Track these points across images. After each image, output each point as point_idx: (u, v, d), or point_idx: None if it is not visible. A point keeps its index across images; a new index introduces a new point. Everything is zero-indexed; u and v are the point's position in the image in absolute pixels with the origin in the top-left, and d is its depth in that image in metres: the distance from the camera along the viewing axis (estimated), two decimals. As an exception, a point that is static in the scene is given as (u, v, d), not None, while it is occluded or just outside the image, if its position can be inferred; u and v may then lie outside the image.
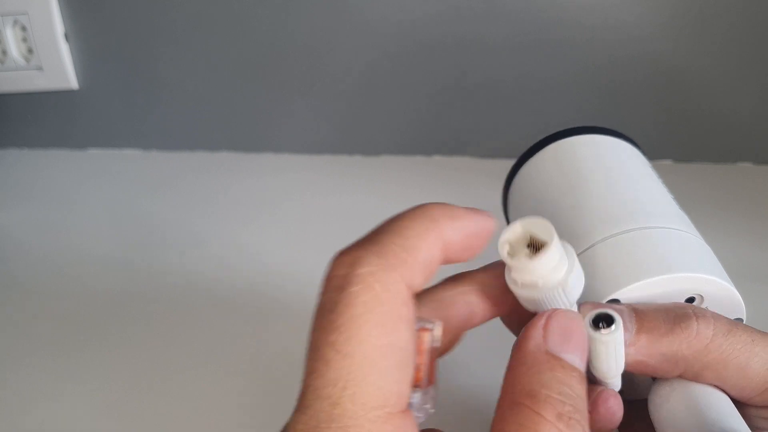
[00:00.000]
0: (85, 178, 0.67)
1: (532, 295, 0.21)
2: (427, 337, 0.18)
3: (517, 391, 0.18)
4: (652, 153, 0.60)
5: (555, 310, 0.20)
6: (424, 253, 0.18)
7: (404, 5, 0.59)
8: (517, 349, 0.19)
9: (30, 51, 0.67)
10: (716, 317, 0.22)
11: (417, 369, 0.17)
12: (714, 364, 0.21)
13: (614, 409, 0.21)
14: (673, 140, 0.59)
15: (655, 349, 0.21)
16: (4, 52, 0.67)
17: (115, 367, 0.40)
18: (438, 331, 0.18)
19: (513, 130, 0.62)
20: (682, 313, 0.22)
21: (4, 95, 0.71)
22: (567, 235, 0.26)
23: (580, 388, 0.18)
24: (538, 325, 0.19)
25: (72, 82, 0.68)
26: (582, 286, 0.21)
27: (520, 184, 0.31)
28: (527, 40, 0.57)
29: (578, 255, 0.23)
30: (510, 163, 0.31)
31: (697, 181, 0.56)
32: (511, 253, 0.20)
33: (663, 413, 0.22)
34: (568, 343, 0.19)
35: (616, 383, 0.22)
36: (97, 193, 0.64)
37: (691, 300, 0.24)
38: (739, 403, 0.22)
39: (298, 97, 0.65)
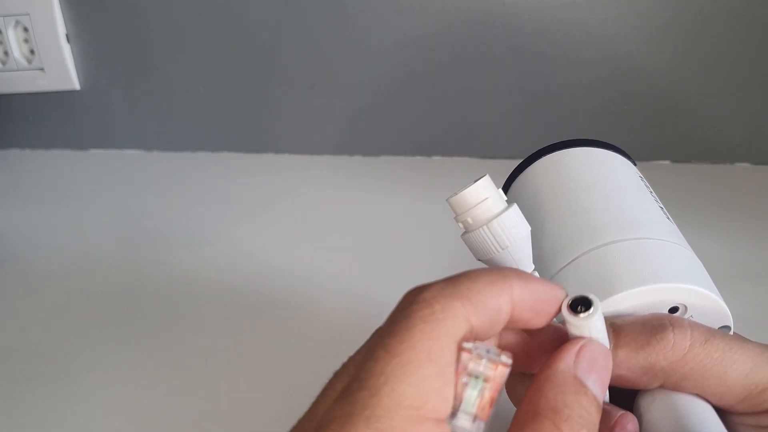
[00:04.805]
0: (86, 179, 0.67)
1: (471, 240, 0.24)
2: (501, 370, 0.19)
3: (541, 405, 0.19)
4: (650, 153, 0.60)
5: (589, 339, 0.20)
6: (490, 299, 0.19)
7: (405, 9, 0.59)
8: (548, 368, 0.20)
9: (32, 52, 0.68)
10: (693, 326, 0.22)
11: (491, 400, 0.18)
12: (692, 374, 0.21)
13: None
14: (672, 140, 0.59)
15: (633, 363, 0.22)
16: (6, 53, 0.68)
17: (116, 367, 0.40)
18: (508, 369, 0.19)
19: (513, 130, 0.62)
20: (659, 324, 0.22)
21: (6, 96, 0.71)
22: (552, 249, 0.26)
23: (595, 416, 0.19)
24: (572, 350, 0.20)
25: (74, 82, 0.69)
26: (520, 240, 0.23)
27: (512, 197, 0.31)
28: (528, 45, 0.58)
29: (562, 269, 0.25)
30: (509, 164, 0.31)
31: (696, 182, 0.56)
32: None
33: (645, 424, 0.22)
34: (594, 372, 0.20)
35: None
36: (99, 194, 0.64)
37: (674, 310, 0.24)
38: (721, 411, 0.22)
39: (299, 98, 0.65)
